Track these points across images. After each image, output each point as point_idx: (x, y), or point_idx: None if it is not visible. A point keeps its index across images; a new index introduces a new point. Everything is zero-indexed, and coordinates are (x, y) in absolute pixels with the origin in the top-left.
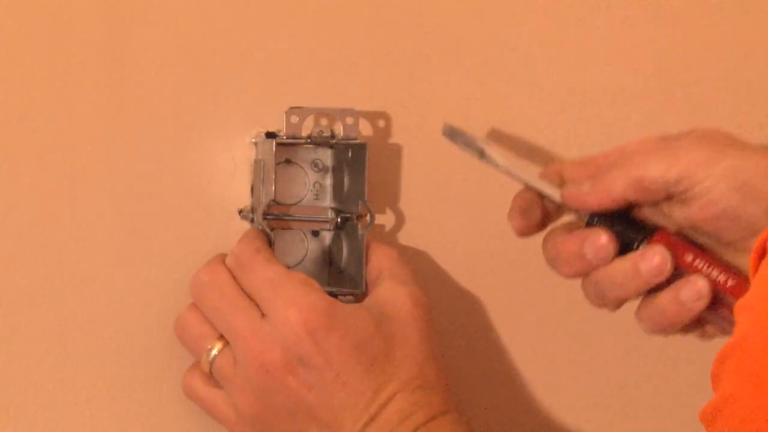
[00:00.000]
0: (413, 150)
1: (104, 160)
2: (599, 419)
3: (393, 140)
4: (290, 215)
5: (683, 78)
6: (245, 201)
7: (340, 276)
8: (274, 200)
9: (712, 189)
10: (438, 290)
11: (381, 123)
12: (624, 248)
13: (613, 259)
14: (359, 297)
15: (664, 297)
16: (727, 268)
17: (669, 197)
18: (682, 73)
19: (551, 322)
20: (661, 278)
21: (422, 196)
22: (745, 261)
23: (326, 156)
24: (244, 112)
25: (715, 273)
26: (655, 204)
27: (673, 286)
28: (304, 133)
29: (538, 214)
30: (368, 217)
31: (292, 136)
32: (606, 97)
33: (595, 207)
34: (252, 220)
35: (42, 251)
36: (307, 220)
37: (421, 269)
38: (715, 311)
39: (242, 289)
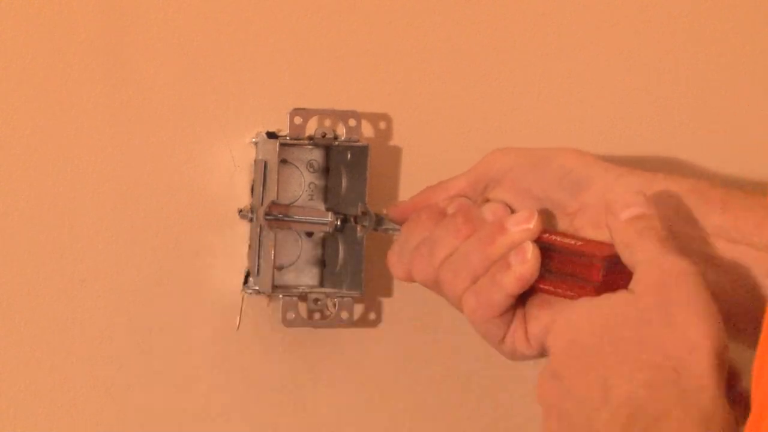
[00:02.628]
0: (413, 152)
1: (104, 159)
2: None
3: (393, 142)
4: (290, 216)
5: (684, 78)
6: (245, 201)
7: (334, 277)
8: (274, 201)
9: (508, 168)
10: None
11: (382, 125)
12: None
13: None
14: (357, 298)
15: (494, 267)
16: (570, 233)
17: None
18: (683, 72)
19: None
20: (530, 234)
21: None
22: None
23: (321, 157)
24: (245, 112)
25: (554, 237)
26: None
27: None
28: (306, 134)
29: None
30: (368, 220)
31: (295, 137)
32: (607, 97)
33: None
34: (251, 220)
35: (42, 251)
36: (308, 222)
37: None
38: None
39: None
